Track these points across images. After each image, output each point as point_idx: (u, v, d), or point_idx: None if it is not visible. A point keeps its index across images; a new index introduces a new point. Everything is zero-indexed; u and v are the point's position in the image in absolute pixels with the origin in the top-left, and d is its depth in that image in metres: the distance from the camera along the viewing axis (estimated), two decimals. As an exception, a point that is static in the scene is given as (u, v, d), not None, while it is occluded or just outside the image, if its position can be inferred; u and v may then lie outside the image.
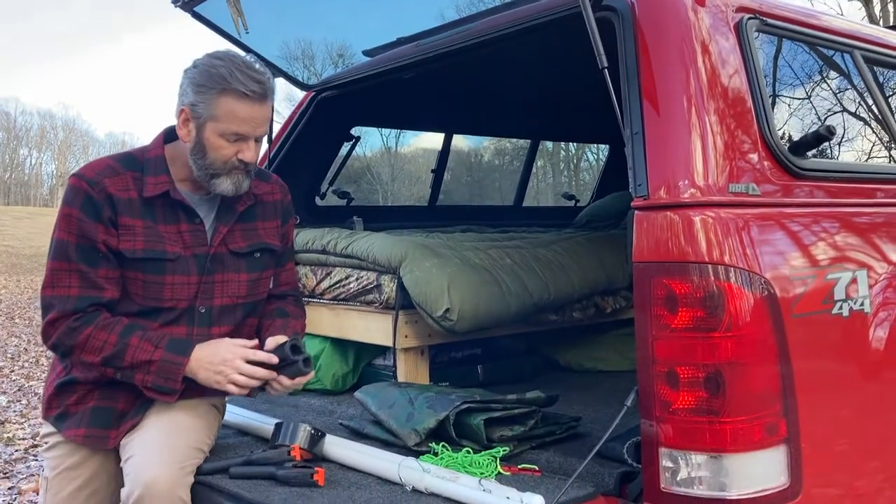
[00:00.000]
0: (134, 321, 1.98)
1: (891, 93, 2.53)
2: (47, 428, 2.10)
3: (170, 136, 2.10)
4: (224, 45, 2.76)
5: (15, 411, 5.80)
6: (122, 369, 1.94)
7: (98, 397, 2.03)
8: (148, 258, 1.99)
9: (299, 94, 3.57)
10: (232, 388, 1.96)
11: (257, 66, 2.01)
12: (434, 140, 4.53)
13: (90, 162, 2.06)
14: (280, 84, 3.21)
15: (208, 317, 2.07)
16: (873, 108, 2.36)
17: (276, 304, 2.26)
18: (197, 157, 1.99)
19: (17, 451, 4.77)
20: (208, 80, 1.93)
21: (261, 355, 1.98)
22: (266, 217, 2.20)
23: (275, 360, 1.98)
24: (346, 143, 3.82)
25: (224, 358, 1.95)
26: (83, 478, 2.05)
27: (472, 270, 2.65)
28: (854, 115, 2.37)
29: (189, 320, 2.05)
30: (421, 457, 1.99)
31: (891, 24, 14.04)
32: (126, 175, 2.01)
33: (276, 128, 3.37)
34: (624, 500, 1.80)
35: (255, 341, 2.06)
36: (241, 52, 2.29)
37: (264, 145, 3.26)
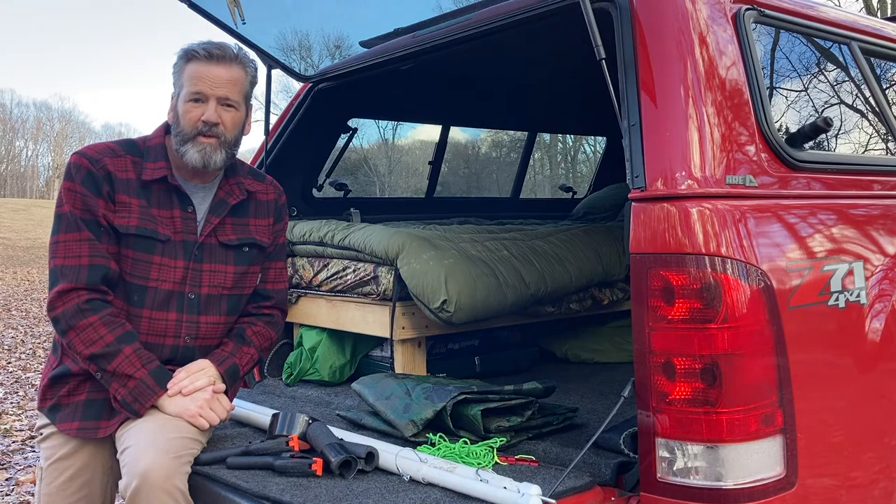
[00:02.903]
0: (132, 331, 2.02)
1: (888, 85, 2.53)
2: (42, 419, 2.12)
3: (169, 129, 2.18)
4: (220, 35, 2.74)
5: (12, 403, 5.80)
6: (104, 371, 1.98)
7: (89, 389, 2.05)
8: (140, 235, 2.06)
9: (296, 86, 3.56)
10: (200, 421, 2.01)
11: (231, 44, 2.17)
12: (431, 132, 4.53)
13: (91, 143, 2.16)
14: (277, 75, 3.21)
15: (197, 304, 2.13)
16: (870, 99, 2.36)
17: (244, 321, 2.25)
18: (174, 129, 2.12)
19: (14, 442, 4.78)
20: (178, 58, 2.12)
21: (226, 405, 2.09)
22: (259, 215, 2.27)
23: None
24: (343, 135, 3.81)
25: (195, 399, 2.02)
26: (75, 468, 2.06)
27: (469, 262, 2.65)
28: (851, 106, 2.37)
29: (179, 306, 2.10)
30: (418, 447, 1.99)
31: (889, 15, 14.01)
32: (125, 157, 2.12)
33: (273, 119, 3.36)
34: (620, 490, 1.80)
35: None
36: (237, 43, 2.30)
37: (261, 137, 3.28)
